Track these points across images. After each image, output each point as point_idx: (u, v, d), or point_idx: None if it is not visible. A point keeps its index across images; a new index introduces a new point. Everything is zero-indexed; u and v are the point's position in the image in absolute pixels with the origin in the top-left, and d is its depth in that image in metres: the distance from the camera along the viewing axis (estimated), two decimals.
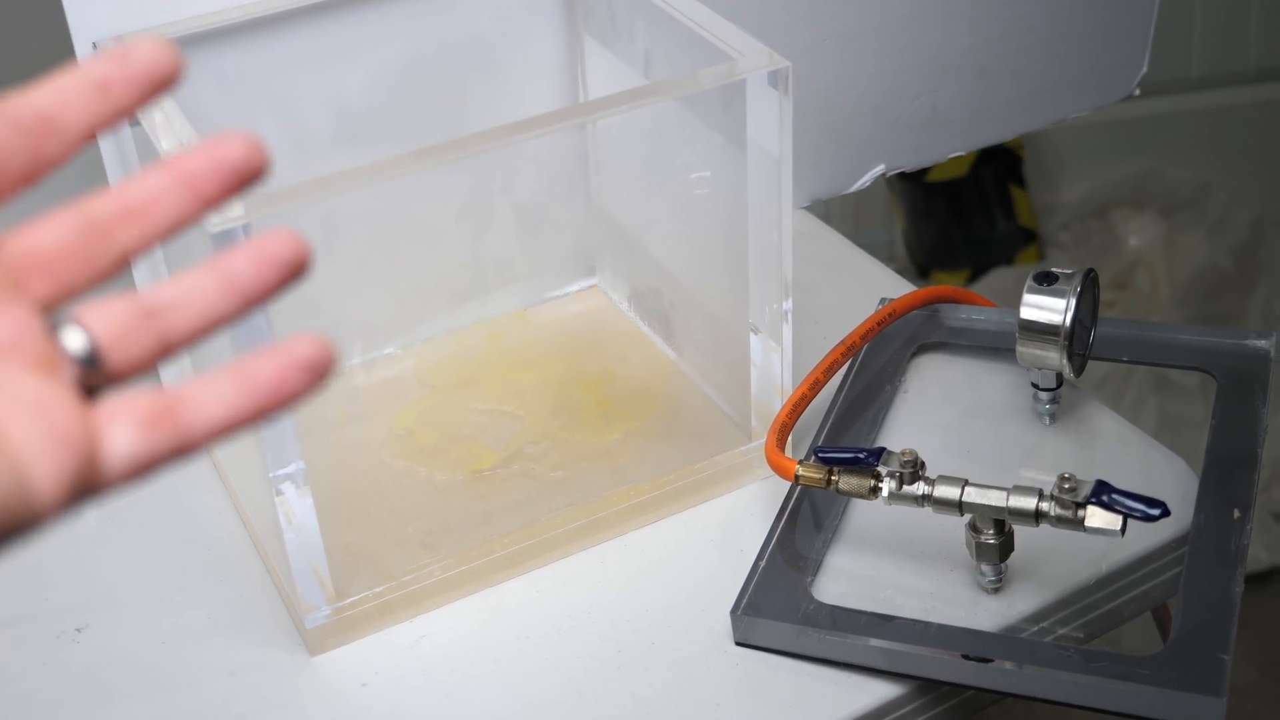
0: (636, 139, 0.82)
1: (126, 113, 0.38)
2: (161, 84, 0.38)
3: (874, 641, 0.66)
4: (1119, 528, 0.64)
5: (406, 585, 0.71)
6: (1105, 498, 0.64)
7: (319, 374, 0.37)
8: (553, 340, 0.87)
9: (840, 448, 0.70)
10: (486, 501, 0.76)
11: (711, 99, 0.71)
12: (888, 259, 1.99)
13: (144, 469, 0.36)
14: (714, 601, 0.70)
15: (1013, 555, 0.69)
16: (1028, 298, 0.74)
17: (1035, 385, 0.78)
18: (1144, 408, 1.71)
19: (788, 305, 0.73)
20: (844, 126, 0.97)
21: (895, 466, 0.68)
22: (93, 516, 0.78)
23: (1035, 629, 0.69)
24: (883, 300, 0.85)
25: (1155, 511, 0.63)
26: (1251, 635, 0.63)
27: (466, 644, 0.70)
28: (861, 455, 0.68)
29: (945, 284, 1.93)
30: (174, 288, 0.38)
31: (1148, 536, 0.71)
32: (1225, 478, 0.72)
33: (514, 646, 0.69)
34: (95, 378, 0.37)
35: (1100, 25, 1.03)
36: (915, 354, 0.84)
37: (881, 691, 0.66)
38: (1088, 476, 0.65)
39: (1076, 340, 0.74)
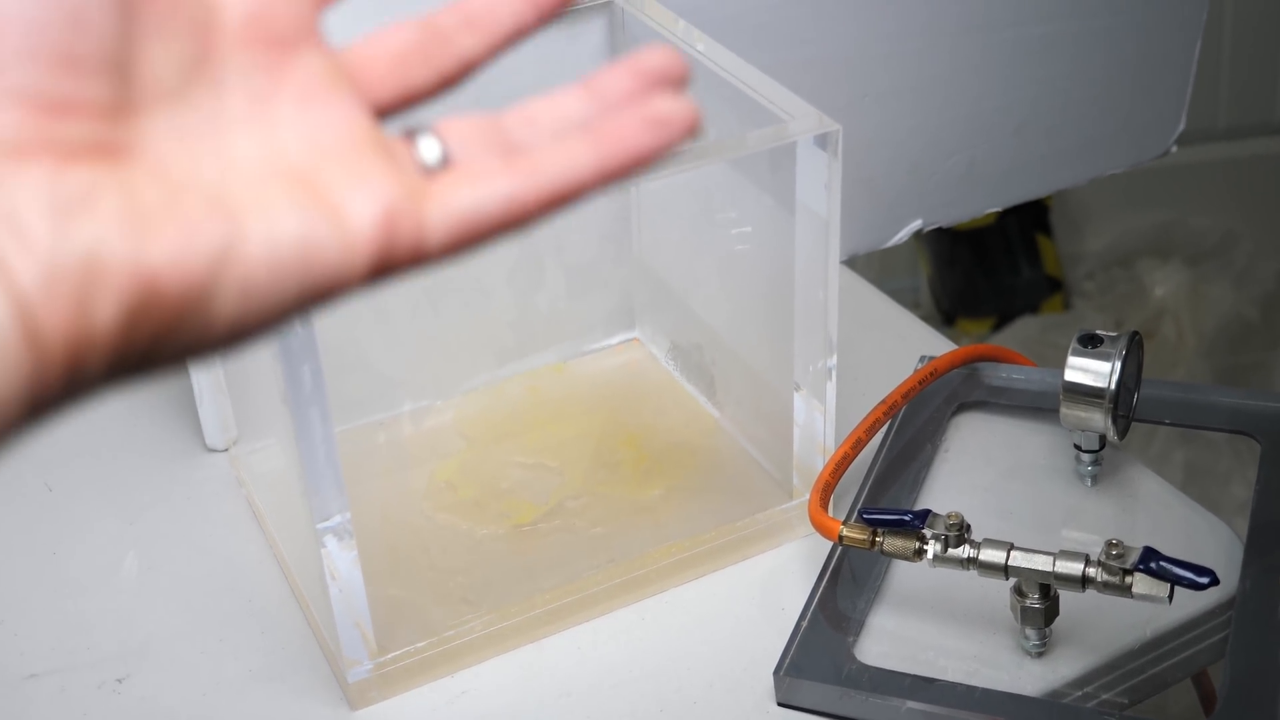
0: (682, 197, 0.83)
1: (552, 12, 0.38)
2: None
3: (916, 704, 0.66)
4: (1166, 595, 0.64)
5: (448, 640, 0.71)
6: (1154, 565, 0.63)
7: (676, 133, 0.35)
8: (592, 393, 0.87)
9: (885, 509, 0.70)
10: (527, 556, 0.76)
11: (760, 160, 0.72)
12: (913, 306, 1.99)
13: (471, 230, 0.35)
14: (755, 660, 0.70)
15: (1057, 619, 0.68)
16: (1073, 360, 0.74)
17: (1078, 446, 0.78)
18: (1170, 462, 1.71)
19: (832, 363, 0.74)
20: (881, 182, 0.98)
21: (940, 529, 0.68)
22: (134, 566, 0.78)
23: (1079, 694, 0.69)
24: (923, 358, 0.85)
25: (1204, 580, 0.63)
26: None
27: (508, 700, 0.70)
28: (907, 517, 0.68)
29: (970, 331, 1.94)
30: (536, 103, 0.37)
31: (1193, 602, 0.70)
32: (1271, 543, 0.71)
33: (556, 703, 0.69)
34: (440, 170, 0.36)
35: (1136, 83, 1.04)
36: (955, 413, 0.84)
37: None
38: (1130, 539, 0.65)
39: (1121, 403, 0.74)
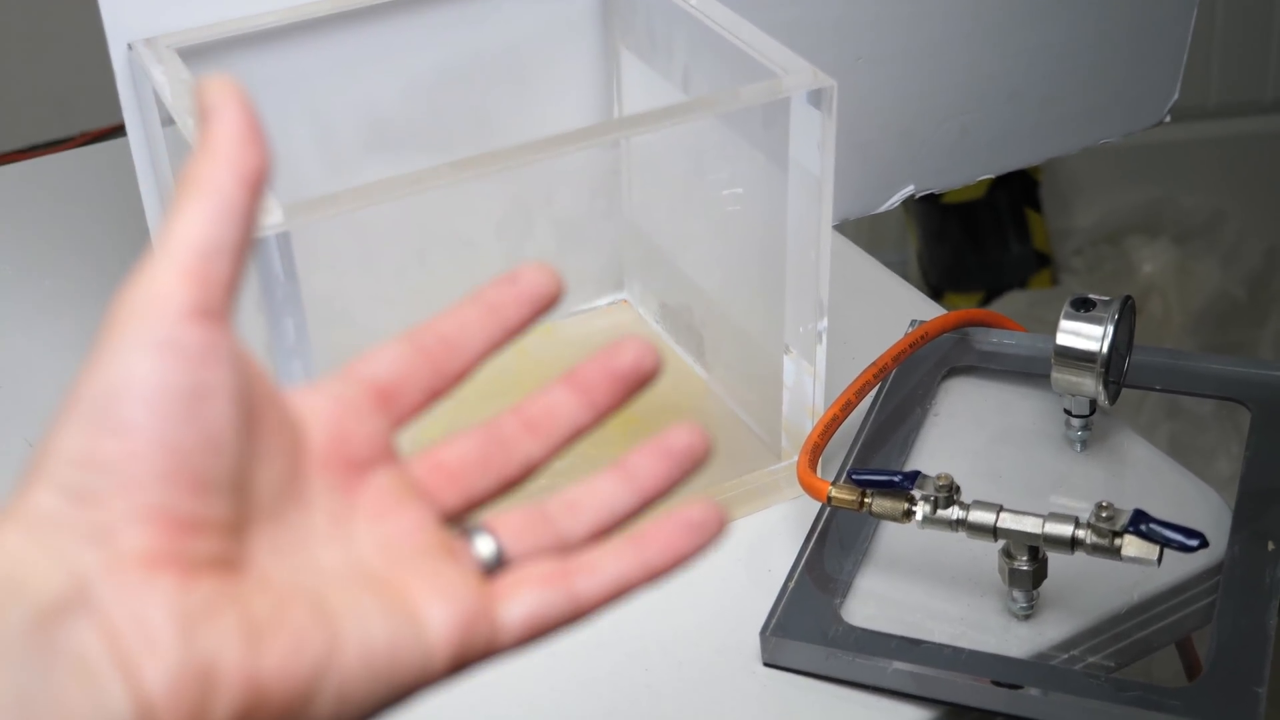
0: (673, 155, 0.82)
1: (515, 331, 0.43)
2: (545, 305, 0.43)
3: (903, 665, 0.66)
4: (1155, 558, 0.64)
5: None
6: (1143, 527, 0.63)
7: (711, 535, 0.40)
8: (579, 354, 0.86)
9: (874, 470, 0.70)
10: None
11: (752, 116, 0.71)
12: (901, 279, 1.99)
13: (538, 629, 0.39)
14: (742, 622, 0.70)
15: (1045, 582, 0.68)
16: (1065, 324, 0.73)
17: (1068, 411, 0.77)
18: (1157, 434, 1.71)
19: (823, 325, 0.73)
20: (874, 147, 0.97)
21: (930, 490, 0.67)
22: None
23: (1065, 656, 0.68)
24: (913, 322, 0.85)
25: (1194, 543, 0.62)
26: (1275, 665, 0.63)
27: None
28: (896, 478, 0.68)
29: (958, 305, 1.93)
30: (577, 489, 0.41)
31: (1181, 567, 0.70)
32: (1259, 509, 0.71)
33: (541, 665, 0.68)
34: (499, 569, 0.40)
35: (1132, 51, 1.03)
36: (946, 377, 0.84)
37: (909, 716, 0.66)
38: (1119, 504, 0.65)
39: (1113, 368, 0.74)
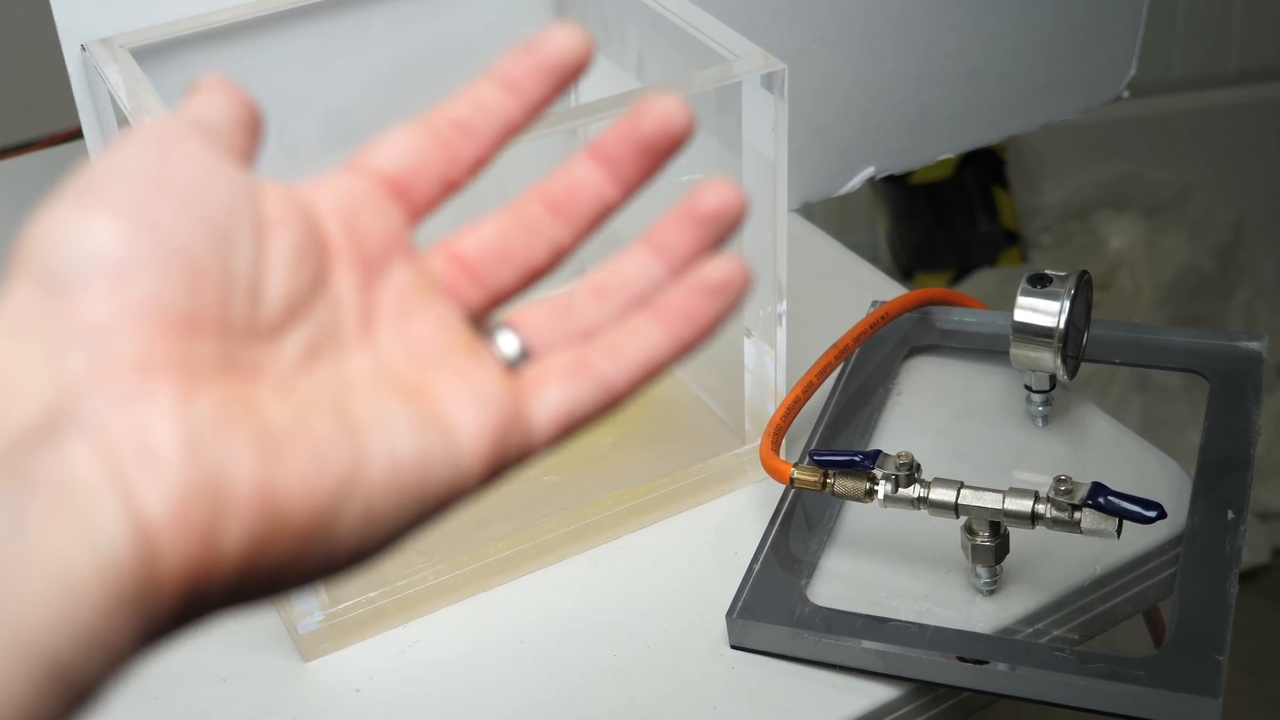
0: None
1: (537, 108, 0.38)
2: (571, 72, 0.38)
3: (869, 644, 0.66)
4: (1115, 530, 0.64)
5: (400, 590, 0.70)
6: (1101, 500, 0.64)
7: (736, 295, 0.36)
8: None
9: (835, 450, 0.70)
10: (479, 506, 0.75)
11: (706, 101, 0.71)
12: (871, 261, 1.99)
13: (571, 424, 0.36)
14: (709, 605, 0.70)
15: (1008, 557, 0.69)
16: (1022, 300, 0.74)
17: (1028, 387, 0.78)
18: (1128, 408, 1.72)
19: (782, 308, 0.73)
20: (832, 129, 0.97)
21: (891, 469, 0.68)
22: None
23: (1030, 630, 0.69)
24: (874, 303, 0.85)
25: (1151, 514, 0.63)
26: (1235, 634, 0.63)
27: (461, 649, 0.70)
28: (857, 458, 0.68)
29: (929, 285, 1.94)
30: (602, 273, 0.38)
31: (1142, 538, 0.71)
32: (1219, 479, 0.72)
33: (509, 651, 0.69)
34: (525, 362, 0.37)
35: (1088, 28, 1.03)
36: (908, 356, 0.84)
37: (877, 694, 0.66)
38: (1081, 478, 0.66)
39: (1070, 343, 0.74)
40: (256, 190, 0.35)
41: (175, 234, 0.32)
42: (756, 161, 0.69)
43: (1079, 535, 0.65)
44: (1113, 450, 0.78)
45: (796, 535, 0.73)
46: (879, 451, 0.68)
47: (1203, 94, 1.98)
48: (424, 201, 0.38)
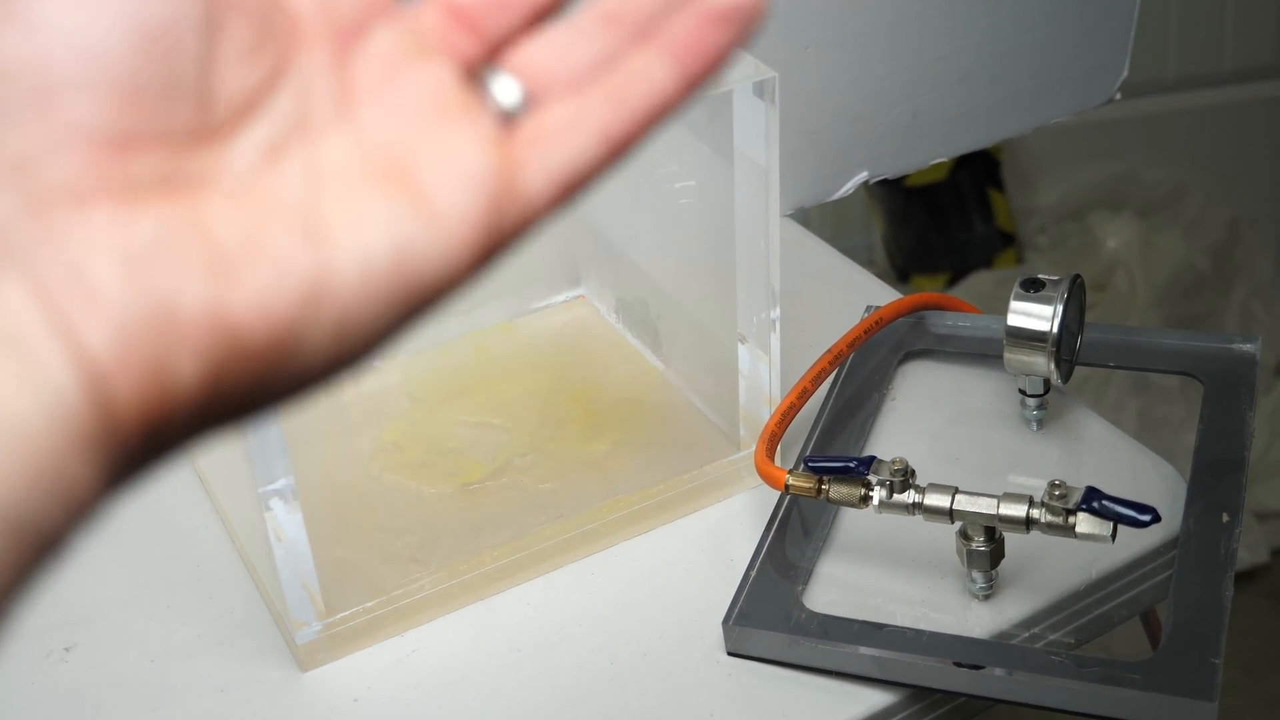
0: None
1: None
2: None
3: (866, 650, 0.66)
4: (1109, 534, 0.64)
5: (397, 600, 0.70)
6: (1095, 504, 0.64)
7: (743, 24, 0.33)
8: (538, 351, 0.87)
9: (830, 456, 0.71)
10: (475, 514, 0.76)
11: (697, 110, 0.71)
12: (867, 263, 1.99)
13: (574, 183, 0.33)
14: (705, 612, 0.70)
15: (1003, 562, 0.69)
16: (1015, 305, 0.74)
17: (1022, 391, 0.78)
18: (1125, 410, 1.72)
19: (775, 314, 0.74)
20: (825, 134, 0.98)
21: (885, 475, 0.68)
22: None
23: (1026, 635, 0.69)
24: (869, 308, 0.85)
25: (1145, 517, 0.63)
26: (1234, 634, 0.64)
27: (458, 658, 0.70)
28: (852, 464, 0.68)
29: (925, 287, 1.94)
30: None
31: (1138, 541, 0.71)
32: (1213, 481, 0.72)
33: (506, 659, 0.69)
34: (525, 113, 0.33)
35: (1079, 30, 1.04)
36: (902, 361, 0.84)
37: (874, 700, 0.66)
38: (1076, 482, 0.66)
39: (1064, 347, 0.74)
40: None
41: (106, 43, 0.29)
42: (748, 169, 0.70)
43: (1074, 540, 0.65)
44: (1108, 454, 0.78)
45: (792, 541, 0.73)
46: (873, 457, 0.68)
47: (1197, 93, 1.98)
48: None
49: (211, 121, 0.31)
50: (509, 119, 0.33)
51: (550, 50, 0.33)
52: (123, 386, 0.28)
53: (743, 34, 0.33)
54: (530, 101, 0.33)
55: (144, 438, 0.29)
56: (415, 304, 0.31)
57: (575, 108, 0.32)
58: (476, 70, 0.33)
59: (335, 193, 0.31)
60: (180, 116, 0.30)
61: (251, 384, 0.30)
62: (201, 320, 0.29)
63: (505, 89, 0.33)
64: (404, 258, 0.31)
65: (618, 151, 0.33)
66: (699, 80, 0.33)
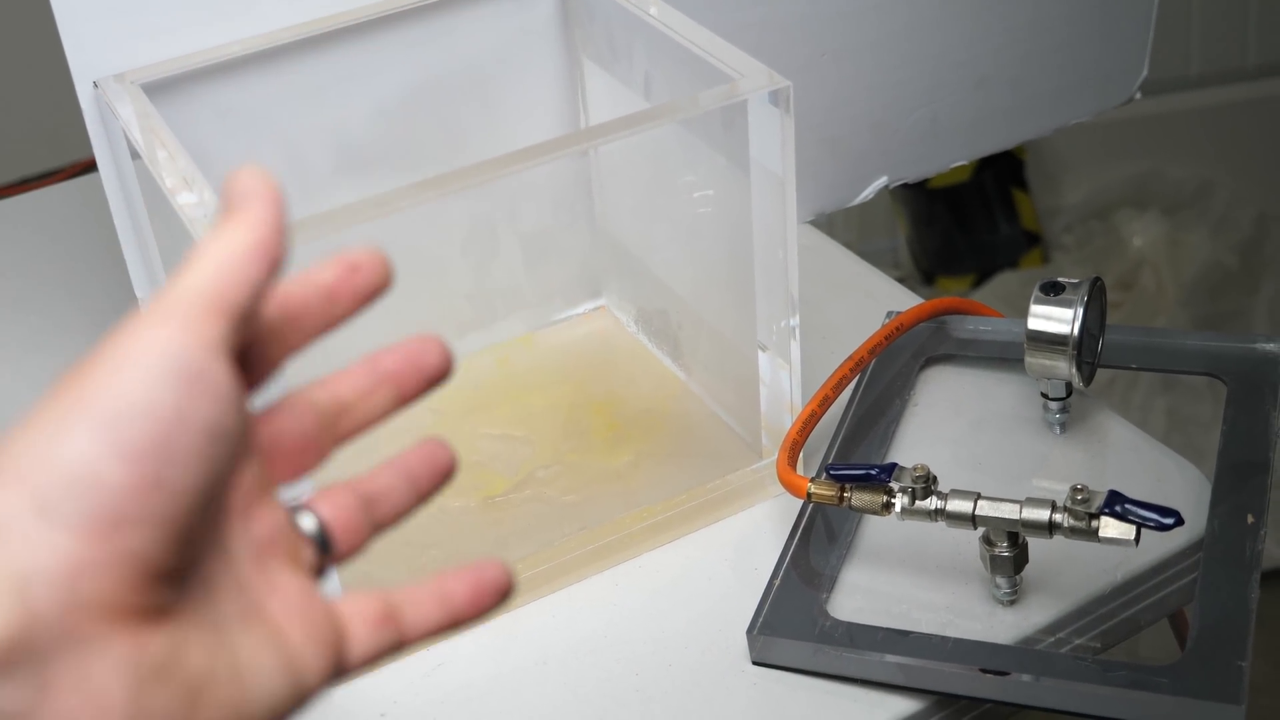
0: (638, 161, 0.82)
1: (346, 315, 0.41)
2: (375, 292, 0.41)
3: (891, 657, 0.66)
4: (1133, 538, 0.64)
5: None
6: (1119, 508, 0.64)
7: (502, 595, 0.42)
8: (560, 363, 0.87)
9: (852, 464, 0.71)
10: (499, 527, 0.76)
11: (713, 120, 0.71)
12: (892, 266, 1.99)
13: (375, 661, 0.40)
14: (730, 621, 0.70)
15: (1027, 567, 0.69)
16: (1035, 308, 0.74)
17: (1045, 395, 0.78)
18: (1152, 409, 1.71)
19: (795, 322, 0.74)
20: (845, 140, 0.98)
21: (907, 482, 0.68)
22: None
23: (1052, 640, 0.69)
24: (889, 314, 0.85)
25: (1169, 520, 0.63)
26: (1267, 634, 0.63)
27: (484, 671, 0.70)
28: (873, 471, 0.68)
29: (950, 289, 1.94)
30: (380, 479, 0.42)
31: (1162, 544, 0.70)
32: (1238, 483, 0.72)
33: (531, 672, 0.70)
34: (325, 562, 0.40)
35: (1098, 30, 1.03)
36: (923, 367, 0.84)
37: (899, 707, 0.66)
38: (1099, 485, 0.65)
39: (1085, 349, 0.74)
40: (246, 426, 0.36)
41: (181, 490, 0.33)
42: (765, 177, 0.70)
43: (1097, 544, 0.65)
44: (1131, 456, 0.78)
45: (816, 549, 0.73)
46: (895, 464, 0.68)
47: (1221, 89, 1.97)
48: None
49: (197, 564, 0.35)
50: (320, 550, 0.40)
51: (340, 502, 0.41)
52: None
53: (502, 603, 0.42)
54: (330, 540, 0.40)
55: None
56: (299, 709, 0.38)
57: (384, 611, 0.40)
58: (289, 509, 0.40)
59: (238, 636, 0.36)
60: (196, 557, 0.35)
61: None
62: None
63: (306, 521, 0.40)
64: (285, 701, 0.37)
65: (404, 649, 0.41)
66: (464, 625, 0.42)
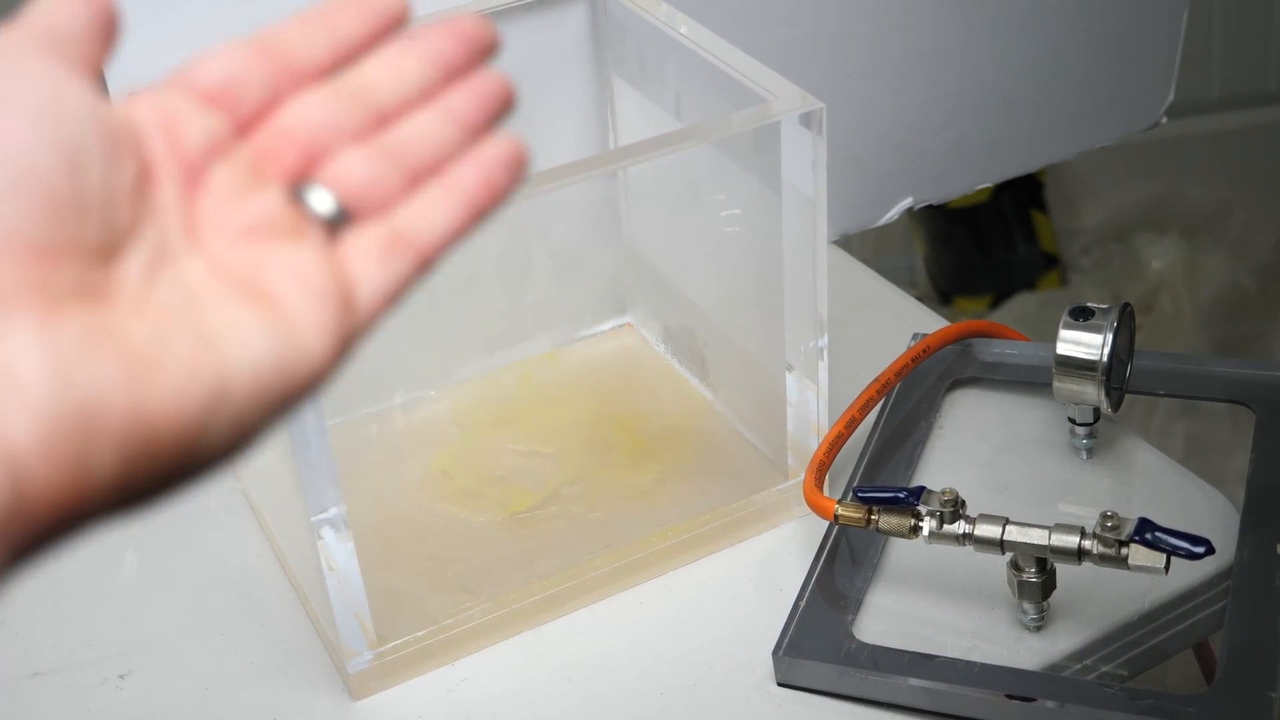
0: (669, 180, 0.83)
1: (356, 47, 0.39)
2: (388, 26, 0.39)
3: (916, 681, 0.66)
4: (1163, 566, 0.64)
5: (447, 629, 0.71)
6: (1149, 536, 0.63)
7: (519, 168, 0.39)
8: (585, 379, 0.87)
9: (879, 487, 0.70)
10: (524, 543, 0.76)
11: (744, 141, 0.71)
12: (909, 285, 1.99)
13: (394, 295, 0.38)
14: (754, 642, 0.70)
15: (1055, 592, 0.68)
16: (1064, 334, 0.74)
17: (1072, 420, 0.78)
18: (1171, 434, 1.70)
19: (823, 343, 0.74)
20: (870, 161, 0.98)
21: (935, 505, 0.68)
22: (133, 564, 0.78)
23: (1078, 667, 0.69)
24: (915, 335, 0.85)
25: (1200, 549, 0.62)
26: None
27: (508, 687, 0.70)
28: (901, 495, 0.68)
29: (967, 309, 1.93)
30: (406, 127, 0.39)
31: (1190, 573, 0.70)
32: (1267, 512, 0.71)
33: (556, 689, 0.69)
34: (345, 225, 0.38)
35: (1124, 55, 1.03)
36: (949, 389, 0.84)
37: None
38: (1127, 512, 0.65)
39: (1114, 375, 0.74)
40: (105, 109, 0.35)
41: (27, 157, 0.32)
42: (796, 198, 0.70)
43: (1126, 571, 0.65)
44: (1158, 483, 0.77)
45: (841, 571, 0.73)
46: (923, 488, 0.68)
47: (1241, 113, 1.97)
48: (249, 109, 0.38)
49: (110, 240, 0.34)
50: (333, 226, 0.37)
51: (360, 168, 0.38)
52: (41, 478, 0.30)
53: (519, 178, 0.40)
54: (347, 210, 0.38)
55: (51, 524, 0.31)
56: (293, 399, 0.35)
57: (390, 235, 0.38)
58: (296, 188, 0.38)
59: (211, 307, 0.35)
60: (90, 232, 0.33)
61: (159, 474, 0.33)
62: (121, 417, 0.32)
63: (320, 200, 0.38)
64: (284, 368, 0.35)
65: (429, 264, 0.38)
66: (485, 214, 0.39)
